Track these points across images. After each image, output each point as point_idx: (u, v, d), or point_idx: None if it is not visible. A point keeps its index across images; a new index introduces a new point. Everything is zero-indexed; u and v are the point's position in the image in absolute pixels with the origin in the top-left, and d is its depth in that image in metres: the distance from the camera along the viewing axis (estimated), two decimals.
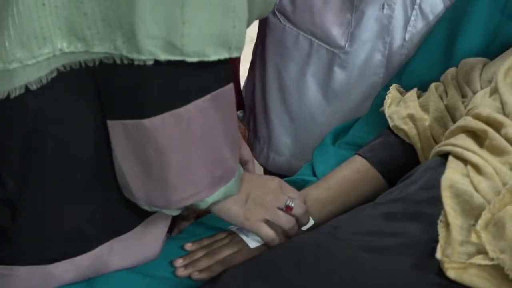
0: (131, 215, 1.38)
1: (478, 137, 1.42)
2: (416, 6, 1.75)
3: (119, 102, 1.26)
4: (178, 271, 1.37)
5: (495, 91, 1.48)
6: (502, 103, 1.44)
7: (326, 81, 1.82)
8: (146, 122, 1.23)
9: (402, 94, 1.65)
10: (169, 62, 1.21)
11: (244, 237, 1.40)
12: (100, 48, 1.23)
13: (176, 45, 1.21)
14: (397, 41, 1.78)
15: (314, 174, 1.61)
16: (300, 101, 1.87)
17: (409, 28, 1.75)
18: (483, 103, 1.47)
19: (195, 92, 1.26)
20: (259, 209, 1.42)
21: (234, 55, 1.25)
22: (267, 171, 1.98)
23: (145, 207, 1.31)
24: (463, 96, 1.57)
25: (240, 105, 2.03)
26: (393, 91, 1.65)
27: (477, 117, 1.43)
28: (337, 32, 1.78)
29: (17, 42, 1.21)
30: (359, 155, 1.56)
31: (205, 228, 1.48)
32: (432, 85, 1.62)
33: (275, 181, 1.46)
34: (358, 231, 1.35)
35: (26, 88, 1.23)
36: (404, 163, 1.55)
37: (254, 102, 1.91)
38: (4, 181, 1.30)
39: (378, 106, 1.67)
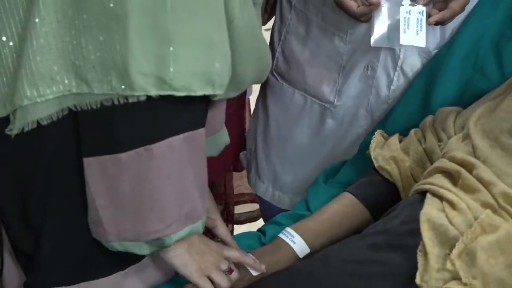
0: None
1: (452, 177, 1.41)
2: (398, 68, 1.74)
3: (97, 138, 1.21)
4: None
5: (467, 136, 1.47)
6: (473, 147, 1.44)
7: (319, 129, 1.82)
8: (122, 156, 1.18)
9: (385, 139, 1.64)
10: (148, 100, 1.17)
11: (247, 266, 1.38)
12: (99, 89, 1.19)
13: (166, 80, 1.16)
14: (381, 97, 1.77)
15: (308, 209, 1.59)
16: (297, 146, 1.85)
17: (392, 87, 1.74)
18: (457, 147, 1.46)
19: (169, 130, 1.21)
20: (207, 265, 1.37)
21: (217, 92, 1.20)
22: (264, 207, 1.97)
23: (115, 245, 1.26)
24: (439, 140, 1.55)
25: (242, 148, 2.03)
26: (377, 136, 1.63)
27: (452, 159, 1.42)
28: (326, 90, 1.77)
29: (29, 81, 1.18)
30: (348, 192, 1.54)
31: None
32: (412, 131, 1.61)
33: (218, 245, 1.40)
34: (347, 259, 1.34)
35: (38, 124, 1.21)
36: (387, 199, 1.53)
37: (256, 146, 1.90)
38: (27, 210, 1.27)
39: (364, 150, 1.65)
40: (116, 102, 1.18)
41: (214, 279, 1.34)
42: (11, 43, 1.21)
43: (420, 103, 1.68)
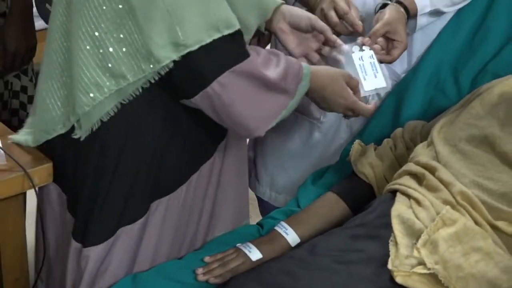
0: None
1: (418, 178, 1.45)
2: None
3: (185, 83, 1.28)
4: (199, 277, 1.37)
5: (431, 143, 1.51)
6: (436, 152, 1.48)
7: (308, 141, 1.82)
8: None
9: (362, 147, 1.66)
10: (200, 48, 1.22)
11: (247, 252, 1.40)
12: (135, 77, 1.25)
13: (180, 43, 1.22)
14: None
15: (299, 206, 1.61)
16: (290, 155, 1.84)
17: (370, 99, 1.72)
18: (422, 152, 1.50)
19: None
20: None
21: (226, 32, 1.25)
22: (262, 205, 1.96)
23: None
24: (408, 148, 1.59)
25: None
26: (356, 146, 1.65)
27: (417, 163, 1.46)
28: (314, 109, 1.75)
29: (81, 91, 1.26)
30: (332, 191, 1.56)
31: (218, 245, 1.49)
32: (385, 141, 1.63)
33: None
34: (331, 248, 1.38)
35: (101, 121, 1.28)
36: (364, 198, 1.56)
37: (255, 155, 1.88)
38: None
39: (345, 156, 1.67)
40: (152, 81, 1.25)
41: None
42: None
43: (391, 117, 1.71)
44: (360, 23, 1.52)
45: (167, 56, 1.22)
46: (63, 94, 1.31)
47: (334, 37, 1.47)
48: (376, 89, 1.49)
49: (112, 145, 1.33)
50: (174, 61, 1.23)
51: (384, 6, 1.59)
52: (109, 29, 1.23)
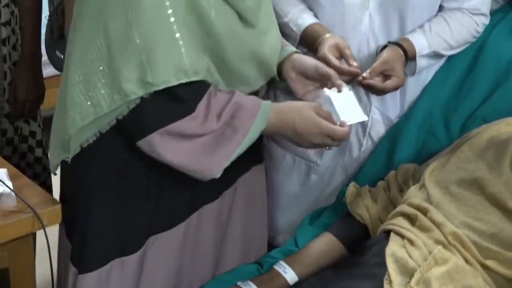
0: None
1: (411, 219, 1.46)
2: (366, 134, 1.75)
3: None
4: None
5: (423, 186, 1.52)
6: (428, 194, 1.49)
7: (305, 183, 1.83)
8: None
9: (357, 189, 1.66)
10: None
11: None
12: (109, 108, 1.29)
13: (148, 81, 1.25)
14: (353, 157, 1.77)
15: (297, 245, 1.60)
16: (288, 196, 1.84)
17: (362, 149, 1.75)
18: (415, 195, 1.51)
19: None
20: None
21: (193, 79, 1.27)
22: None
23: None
24: (401, 190, 1.60)
25: None
26: (351, 187, 1.65)
27: (410, 205, 1.48)
28: (311, 152, 1.78)
29: (70, 115, 1.32)
30: (328, 231, 1.56)
31: (219, 284, 1.50)
32: (379, 183, 1.64)
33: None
34: (329, 286, 1.39)
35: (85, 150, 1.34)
36: (359, 237, 1.56)
37: None
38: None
39: (341, 198, 1.67)
40: (124, 113, 1.28)
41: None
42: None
43: (385, 161, 1.72)
44: (356, 63, 1.56)
45: (134, 91, 1.26)
46: (59, 119, 1.37)
47: (339, 82, 1.46)
48: (357, 123, 1.43)
49: (101, 179, 1.37)
50: (142, 98, 1.26)
51: (384, 47, 1.63)
52: (95, 60, 1.29)
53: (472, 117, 1.70)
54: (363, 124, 1.74)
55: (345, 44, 1.58)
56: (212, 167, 1.32)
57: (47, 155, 2.07)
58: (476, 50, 1.76)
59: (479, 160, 1.51)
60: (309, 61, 1.48)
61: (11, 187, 1.40)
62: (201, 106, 1.30)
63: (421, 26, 1.68)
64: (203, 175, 1.33)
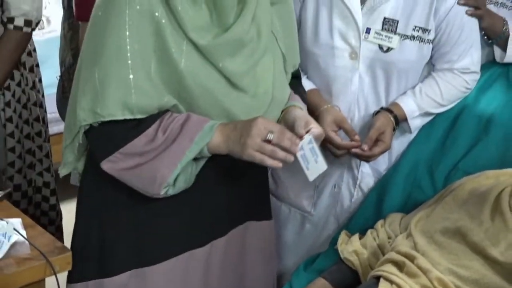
0: None
1: (399, 265, 1.48)
2: (357, 186, 1.79)
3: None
4: None
5: (409, 235, 1.55)
6: (414, 243, 1.52)
7: (300, 232, 1.86)
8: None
9: (349, 237, 1.68)
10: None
11: None
12: (72, 132, 1.35)
13: (97, 112, 1.29)
14: (345, 207, 1.80)
15: None
16: (284, 244, 1.87)
17: (353, 200, 1.80)
18: (402, 243, 1.54)
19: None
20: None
21: (137, 116, 1.30)
22: None
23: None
24: (389, 238, 1.61)
25: None
26: (343, 235, 1.68)
27: (398, 252, 1.51)
28: (306, 203, 1.82)
29: (67, 129, 1.38)
30: (322, 277, 1.58)
31: None
32: (369, 231, 1.66)
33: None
34: None
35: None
36: (351, 283, 1.57)
37: None
38: None
39: (333, 245, 1.69)
40: (80, 141, 1.33)
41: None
42: None
43: (374, 210, 1.75)
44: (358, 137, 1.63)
45: (85, 119, 1.31)
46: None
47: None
48: (319, 174, 1.37)
49: (91, 203, 1.43)
50: (91, 126, 1.31)
51: (377, 112, 1.70)
52: (74, 88, 1.36)
53: (454, 169, 1.72)
54: (353, 177, 1.78)
55: (341, 118, 1.65)
56: (163, 171, 1.31)
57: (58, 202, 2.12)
58: (458, 109, 1.78)
59: (462, 211, 1.53)
60: (292, 117, 1.43)
61: (25, 236, 1.44)
62: (153, 127, 1.33)
63: (412, 88, 1.72)
64: (156, 182, 1.31)
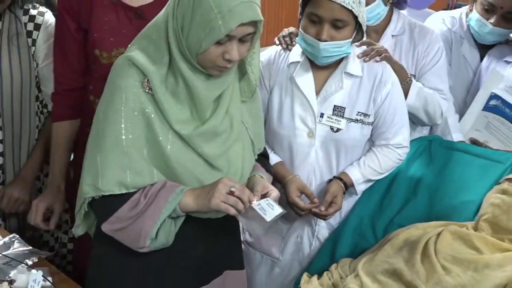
0: None
1: None
2: (315, 237, 1.95)
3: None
4: None
5: (357, 275, 1.72)
6: (361, 282, 1.68)
7: (270, 274, 2.01)
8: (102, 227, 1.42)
9: (309, 277, 1.83)
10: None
11: None
12: (81, 199, 1.44)
13: (98, 187, 1.38)
14: (305, 254, 1.96)
15: None
16: (258, 284, 2.01)
17: (312, 248, 1.96)
18: (351, 281, 1.71)
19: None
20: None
21: (131, 190, 1.39)
22: None
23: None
24: (341, 278, 1.78)
25: None
26: (304, 276, 1.85)
27: None
28: (274, 251, 1.98)
29: (77, 199, 1.47)
30: None
31: None
32: (325, 273, 1.83)
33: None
34: None
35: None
36: None
37: None
38: None
39: (297, 284, 1.85)
40: (85, 208, 1.42)
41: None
42: None
43: (329, 256, 1.92)
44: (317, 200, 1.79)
45: (88, 192, 1.40)
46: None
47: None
48: (276, 216, 1.42)
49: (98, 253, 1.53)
50: (93, 198, 1.40)
51: (330, 181, 1.88)
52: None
53: (391, 223, 1.89)
54: (312, 230, 1.96)
55: (303, 185, 1.82)
56: (146, 227, 1.38)
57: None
58: (392, 177, 1.96)
59: (398, 256, 1.70)
60: (252, 183, 1.52)
61: (51, 281, 1.59)
62: (137, 195, 1.42)
63: (357, 160, 1.89)
64: (141, 236, 1.38)
